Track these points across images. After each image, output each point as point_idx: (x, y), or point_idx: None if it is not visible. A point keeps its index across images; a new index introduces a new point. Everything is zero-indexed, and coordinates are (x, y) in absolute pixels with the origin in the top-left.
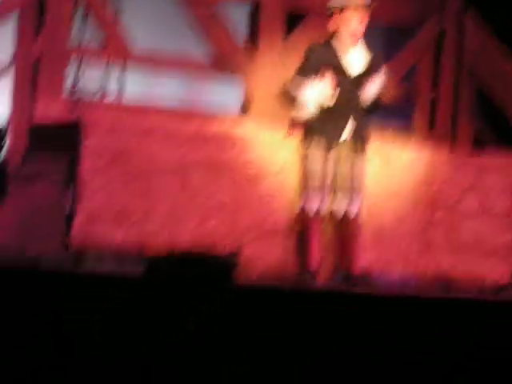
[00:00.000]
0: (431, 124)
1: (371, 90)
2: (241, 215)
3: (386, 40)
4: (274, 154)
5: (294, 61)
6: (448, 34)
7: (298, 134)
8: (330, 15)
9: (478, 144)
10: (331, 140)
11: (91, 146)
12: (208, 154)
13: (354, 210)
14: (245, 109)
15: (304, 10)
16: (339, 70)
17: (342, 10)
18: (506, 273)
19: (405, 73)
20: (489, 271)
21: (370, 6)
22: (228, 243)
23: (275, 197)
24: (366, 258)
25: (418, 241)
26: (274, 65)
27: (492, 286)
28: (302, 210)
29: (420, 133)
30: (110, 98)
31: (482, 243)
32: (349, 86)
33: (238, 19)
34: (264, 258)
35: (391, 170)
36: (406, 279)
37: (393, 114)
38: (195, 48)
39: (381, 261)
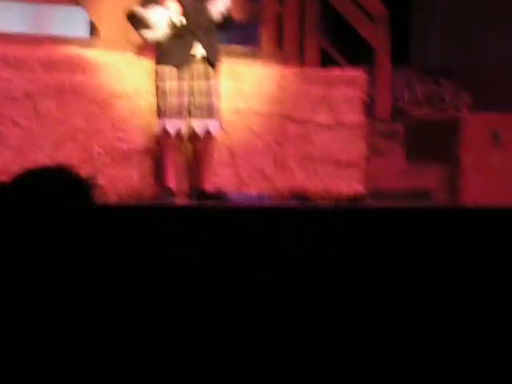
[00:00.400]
0: (279, 42)
1: (219, 7)
2: (94, 140)
3: None
4: (125, 77)
5: None
6: None
7: (150, 55)
8: None
9: (325, 61)
10: (183, 58)
11: None
12: (58, 80)
13: (213, 129)
14: (93, 33)
15: None
16: None
17: None
18: (359, 184)
19: None
20: (343, 183)
21: None
22: (83, 168)
23: (128, 120)
24: (222, 176)
25: (273, 156)
26: None
27: (347, 198)
28: (162, 131)
29: (268, 51)
30: None
31: (336, 156)
32: (198, 2)
33: None
34: (120, 181)
35: (242, 87)
36: (263, 195)
37: (239, 34)
38: None
39: (237, 178)
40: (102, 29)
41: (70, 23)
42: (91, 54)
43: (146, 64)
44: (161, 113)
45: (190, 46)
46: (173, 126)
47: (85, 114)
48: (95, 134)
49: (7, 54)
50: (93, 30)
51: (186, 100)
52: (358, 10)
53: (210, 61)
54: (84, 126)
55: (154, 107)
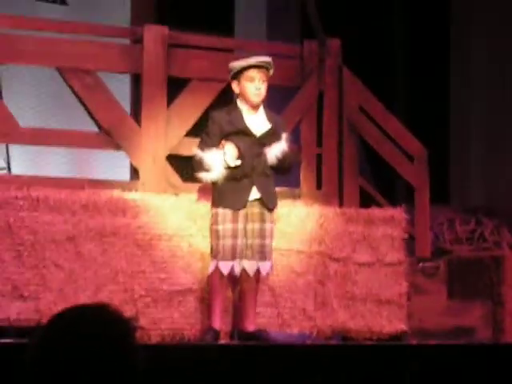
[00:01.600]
0: (318, 182)
1: (274, 152)
2: (136, 281)
3: (265, 100)
4: (166, 219)
5: (179, 127)
6: (326, 91)
7: (206, 197)
8: (233, 77)
9: (365, 201)
10: (239, 201)
11: None
12: (100, 222)
13: (264, 271)
14: (133, 176)
15: (187, 75)
16: (244, 132)
17: (243, 70)
18: (401, 321)
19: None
20: (385, 322)
21: (270, 64)
22: (125, 310)
23: (169, 261)
24: (264, 316)
25: (315, 295)
26: (158, 133)
27: (389, 336)
28: (214, 272)
29: (308, 191)
30: None
31: (377, 294)
32: (254, 147)
33: (120, 90)
34: (162, 322)
35: (283, 227)
36: (304, 334)
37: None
38: (81, 122)
39: (279, 318)
40: (142, 172)
41: (112, 167)
42: (132, 196)
43: (186, 205)
44: (215, 254)
45: (247, 190)
46: (226, 267)
47: (126, 255)
48: (136, 275)
49: (49, 197)
50: (134, 173)
51: (240, 242)
52: (396, 149)
53: (266, 205)
54: (125, 268)
55: (195, 248)
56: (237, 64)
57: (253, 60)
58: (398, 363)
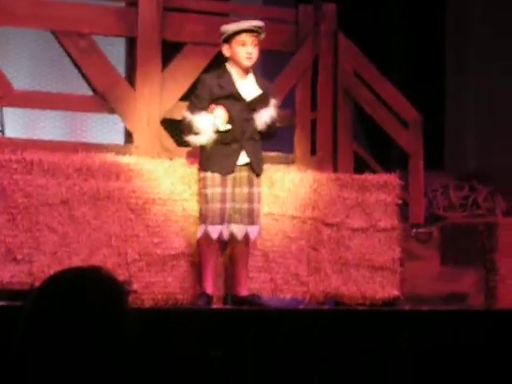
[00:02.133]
0: (312, 147)
1: (264, 117)
2: (129, 245)
3: (260, 65)
4: (159, 183)
5: (174, 90)
6: (322, 56)
7: (190, 162)
8: (224, 41)
9: (359, 166)
10: (228, 165)
11: None
12: (93, 186)
13: (252, 235)
14: (127, 140)
15: (182, 38)
16: (234, 96)
17: (234, 34)
18: (393, 287)
19: (283, 98)
20: (378, 287)
21: (261, 28)
22: (118, 274)
23: (163, 225)
24: (256, 281)
25: (308, 261)
26: (152, 96)
27: (382, 302)
28: (203, 236)
29: (301, 157)
30: None
31: (370, 260)
32: (244, 111)
33: (114, 54)
34: (155, 286)
35: (276, 192)
36: (297, 299)
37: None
38: (76, 85)
39: (272, 282)
40: (136, 136)
41: (106, 131)
42: (126, 160)
43: (180, 170)
44: (203, 218)
45: (235, 154)
46: (215, 231)
47: (119, 219)
48: (130, 239)
49: (43, 160)
50: (128, 136)
51: (228, 206)
52: (391, 115)
53: (255, 169)
54: (119, 232)
55: (188, 212)
56: (229, 27)
57: (245, 24)
58: (390, 329)
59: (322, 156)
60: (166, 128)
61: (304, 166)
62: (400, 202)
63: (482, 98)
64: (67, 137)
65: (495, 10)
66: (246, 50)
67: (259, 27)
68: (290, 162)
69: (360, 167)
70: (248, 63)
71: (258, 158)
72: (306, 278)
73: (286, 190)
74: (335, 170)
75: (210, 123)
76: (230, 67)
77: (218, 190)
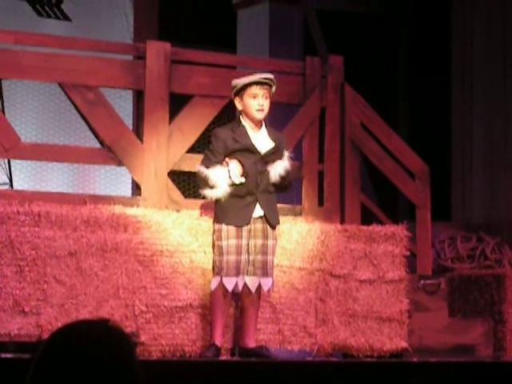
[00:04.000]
0: (320, 199)
1: (278, 169)
2: (137, 297)
3: (268, 117)
4: (167, 234)
5: (181, 143)
6: (329, 108)
7: (208, 213)
8: (236, 94)
9: (365, 216)
10: (244, 216)
11: None
12: (101, 238)
13: (265, 287)
14: (135, 192)
15: (189, 91)
16: (249, 149)
17: (246, 86)
18: (401, 339)
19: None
20: (386, 339)
21: (272, 80)
22: (126, 326)
23: (170, 277)
24: (264, 332)
25: (315, 312)
26: (160, 148)
27: (389, 353)
28: (217, 289)
29: (309, 208)
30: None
31: (378, 311)
32: (258, 164)
33: (122, 106)
34: (163, 338)
35: (283, 243)
36: (305, 351)
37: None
38: (83, 138)
39: (280, 334)
40: (144, 187)
41: (113, 183)
42: (133, 212)
43: (188, 221)
44: (218, 270)
45: (250, 207)
46: (230, 283)
47: (127, 271)
48: (137, 291)
49: (50, 212)
50: (135, 188)
51: (243, 258)
52: (398, 166)
53: (270, 221)
54: (126, 284)
55: (196, 264)
56: (240, 81)
57: (256, 77)
58: (398, 381)
59: (329, 207)
60: (173, 180)
61: (311, 217)
62: (408, 253)
63: (490, 149)
64: (75, 189)
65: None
66: (257, 103)
67: (270, 79)
68: (297, 214)
69: (367, 218)
70: (259, 115)
71: (272, 210)
72: (313, 329)
73: (293, 242)
74: (342, 221)
75: (224, 176)
76: (243, 120)
77: (234, 241)
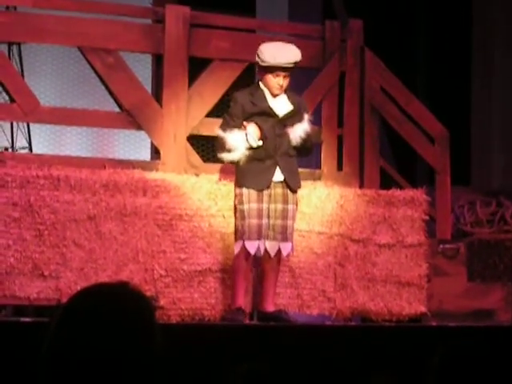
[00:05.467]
0: (339, 163)
1: (298, 132)
2: (156, 261)
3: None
4: (186, 199)
5: (200, 107)
6: (348, 72)
7: (227, 177)
8: (259, 66)
9: (385, 182)
10: (263, 181)
11: (1, 201)
12: (120, 202)
13: (285, 251)
14: (154, 156)
15: (208, 55)
16: (267, 112)
17: (269, 67)
18: (420, 303)
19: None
20: (405, 303)
21: (295, 63)
22: (145, 289)
23: (189, 241)
24: (283, 297)
25: (334, 277)
26: (179, 113)
27: (408, 318)
28: (240, 252)
29: (328, 172)
30: (19, 152)
31: (397, 276)
32: (276, 127)
33: (141, 70)
34: (182, 302)
35: (303, 208)
36: (324, 315)
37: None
38: (103, 102)
39: (298, 298)
40: (163, 152)
41: (133, 147)
42: (152, 176)
43: (206, 186)
44: (240, 234)
45: (270, 170)
46: (253, 246)
47: (146, 235)
48: (157, 255)
49: (69, 176)
50: (154, 153)
51: (264, 222)
52: (418, 130)
53: (290, 186)
54: (145, 248)
55: (215, 228)
56: (268, 57)
57: (283, 60)
58: (417, 345)
59: (348, 172)
60: (192, 144)
61: (330, 181)
62: (427, 217)
63: (509, 113)
64: (94, 153)
65: None
66: (276, 82)
67: (295, 62)
68: (316, 178)
69: (386, 183)
70: (277, 92)
71: (293, 174)
72: (332, 293)
73: (312, 206)
74: (362, 185)
75: (242, 140)
76: (262, 85)
77: (255, 205)
